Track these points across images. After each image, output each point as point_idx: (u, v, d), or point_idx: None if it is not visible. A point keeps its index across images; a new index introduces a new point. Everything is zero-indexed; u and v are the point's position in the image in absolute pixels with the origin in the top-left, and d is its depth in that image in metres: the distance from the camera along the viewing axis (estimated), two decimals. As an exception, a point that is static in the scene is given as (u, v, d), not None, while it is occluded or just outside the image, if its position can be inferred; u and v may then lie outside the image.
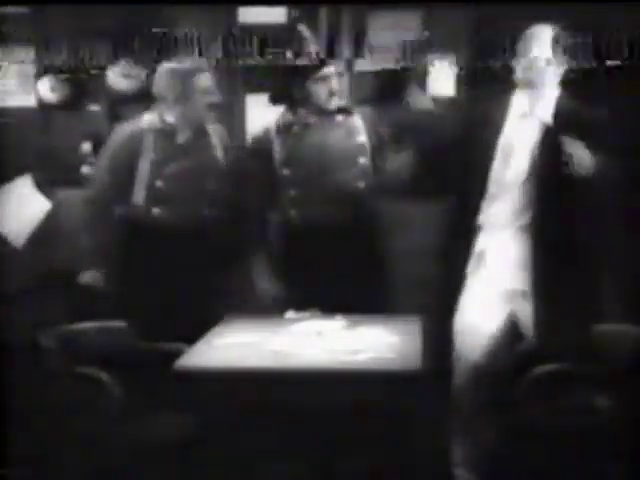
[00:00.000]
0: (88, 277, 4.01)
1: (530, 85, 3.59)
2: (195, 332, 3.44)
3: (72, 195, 4.74)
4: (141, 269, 3.93)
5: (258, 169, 4.07)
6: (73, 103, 4.91)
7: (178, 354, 3.18)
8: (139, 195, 3.97)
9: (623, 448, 3.19)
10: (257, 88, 4.69)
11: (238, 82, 4.84)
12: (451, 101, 4.65)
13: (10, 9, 4.67)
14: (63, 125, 4.90)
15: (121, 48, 4.68)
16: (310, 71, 4.02)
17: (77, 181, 4.81)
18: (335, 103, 4.02)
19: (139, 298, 3.85)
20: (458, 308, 3.63)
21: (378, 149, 4.02)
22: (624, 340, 3.41)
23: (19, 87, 4.89)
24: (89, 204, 4.06)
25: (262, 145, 4.09)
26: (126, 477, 3.25)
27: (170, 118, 3.99)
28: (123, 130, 4.06)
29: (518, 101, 3.64)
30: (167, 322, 3.62)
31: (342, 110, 4.05)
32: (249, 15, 4.73)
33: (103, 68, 4.78)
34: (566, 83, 3.62)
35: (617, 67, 4.33)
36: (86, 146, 4.87)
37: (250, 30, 4.71)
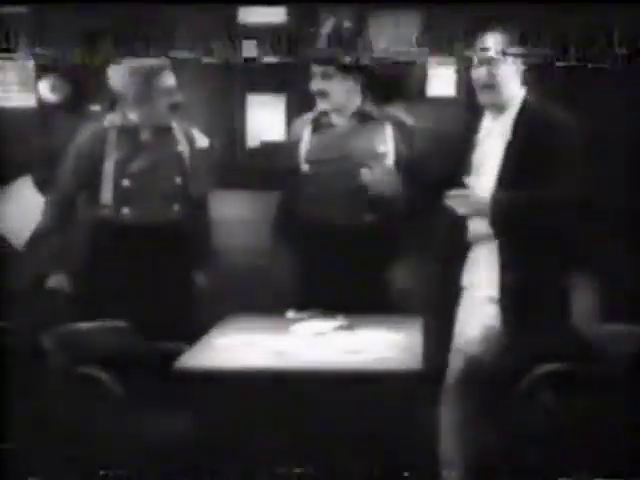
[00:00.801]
0: (54, 281, 3.99)
1: (490, 103, 3.61)
2: (186, 332, 3.44)
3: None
4: (113, 270, 3.92)
5: (283, 162, 4.09)
6: (74, 103, 4.90)
7: (178, 354, 3.18)
8: (107, 195, 3.95)
9: (623, 448, 3.20)
10: (258, 88, 4.69)
11: (238, 82, 4.84)
12: (451, 102, 4.66)
13: (10, 9, 4.67)
14: (64, 125, 4.89)
15: (121, 48, 4.67)
16: (310, 70, 4.04)
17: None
18: (325, 105, 4.01)
19: (113, 299, 3.84)
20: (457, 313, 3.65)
21: (403, 156, 4.03)
22: (624, 340, 3.41)
23: (19, 87, 4.89)
24: (54, 206, 4.06)
25: (293, 138, 4.13)
26: (126, 477, 3.25)
27: (133, 116, 3.99)
28: (86, 130, 4.05)
29: (487, 113, 3.66)
30: (156, 322, 3.61)
31: (368, 116, 4.05)
32: (249, 15, 4.72)
33: (103, 68, 4.77)
34: (532, 89, 3.63)
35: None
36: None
37: (249, 30, 4.71)
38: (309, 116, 4.14)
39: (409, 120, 4.13)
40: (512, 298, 3.49)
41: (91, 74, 4.76)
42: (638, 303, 3.95)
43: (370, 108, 4.07)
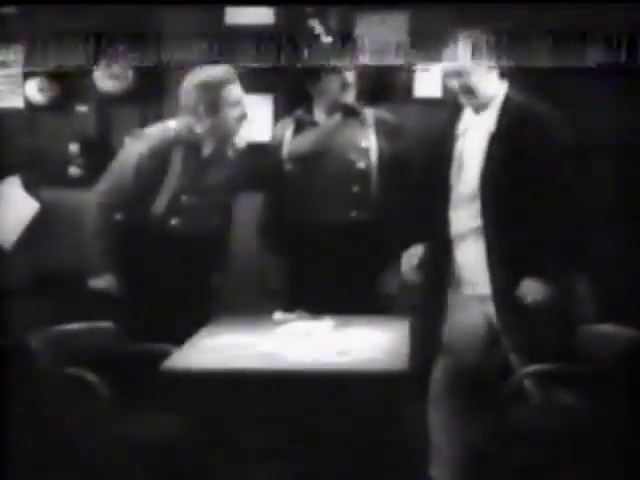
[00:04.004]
0: (102, 282, 3.90)
1: (468, 95, 3.62)
2: (184, 333, 3.45)
3: (60, 196, 4.76)
4: (145, 273, 3.88)
5: (267, 162, 4.11)
6: (61, 104, 4.90)
7: (166, 355, 3.18)
8: (160, 206, 3.91)
9: (609, 449, 3.22)
10: (251, 89, 4.69)
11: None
12: (437, 103, 4.67)
13: (-3, 10, 4.68)
14: (51, 126, 4.89)
15: (109, 49, 4.68)
16: (323, 65, 4.06)
17: (65, 182, 4.82)
18: (350, 96, 4.04)
19: (142, 301, 3.83)
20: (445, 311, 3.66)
21: (386, 153, 4.05)
22: (610, 341, 3.43)
23: (7, 88, 4.89)
24: (104, 208, 3.93)
25: (275, 139, 4.15)
26: (113, 478, 3.26)
27: (199, 129, 3.92)
28: (151, 139, 3.94)
29: (467, 108, 3.68)
30: (161, 324, 3.61)
31: (353, 112, 4.07)
32: (237, 16, 4.73)
33: (91, 69, 4.78)
34: (512, 83, 3.66)
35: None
36: (74, 147, 4.87)
37: (237, 31, 4.71)
38: (294, 116, 4.16)
39: (392, 117, 4.15)
40: (503, 295, 3.50)
41: (78, 75, 4.77)
42: (627, 303, 3.97)
43: (354, 104, 4.10)
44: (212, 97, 3.87)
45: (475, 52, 3.56)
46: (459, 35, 3.59)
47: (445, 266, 3.66)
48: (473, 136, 3.61)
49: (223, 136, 3.96)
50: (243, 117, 3.95)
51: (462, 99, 3.64)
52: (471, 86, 3.58)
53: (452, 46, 3.59)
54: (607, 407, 3.26)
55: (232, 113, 3.91)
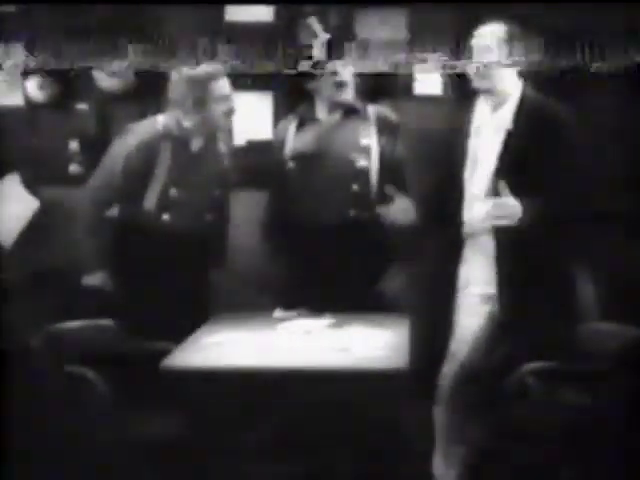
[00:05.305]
0: (95, 279, 3.93)
1: (488, 90, 3.61)
2: (183, 331, 3.45)
3: (60, 194, 4.75)
4: (140, 270, 3.89)
5: (269, 161, 4.10)
6: (61, 102, 4.90)
7: (166, 353, 3.18)
8: (151, 201, 3.92)
9: (610, 447, 3.22)
10: (245, 87, 4.69)
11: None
12: (437, 101, 4.67)
13: (-1, 8, 4.68)
14: (51, 124, 4.89)
15: (109, 47, 4.68)
16: (318, 63, 4.07)
17: (65, 180, 4.82)
18: (346, 95, 4.04)
19: (137, 298, 3.83)
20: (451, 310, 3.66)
21: (386, 151, 4.04)
22: (611, 339, 3.43)
23: (7, 86, 4.88)
24: (95, 205, 3.96)
25: (278, 137, 4.16)
26: (113, 476, 3.25)
27: (187, 123, 3.94)
28: (139, 134, 3.97)
29: (480, 105, 3.66)
30: (159, 321, 3.61)
31: (354, 109, 4.07)
32: (236, 14, 4.73)
33: (91, 67, 4.78)
34: (528, 83, 3.65)
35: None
36: (74, 145, 4.87)
37: (238, 29, 4.72)
38: (296, 114, 4.16)
39: (393, 115, 4.15)
40: (508, 292, 3.50)
41: (78, 73, 4.76)
42: (627, 302, 3.97)
43: (354, 102, 4.10)
44: (199, 92, 3.89)
45: (500, 48, 3.56)
46: (482, 32, 3.59)
47: (454, 265, 3.65)
48: (488, 133, 3.61)
49: (211, 131, 3.98)
50: (231, 112, 3.96)
51: (477, 82, 3.61)
52: (495, 84, 3.57)
53: (478, 42, 3.58)
54: (608, 405, 3.26)
55: (219, 108, 3.92)
